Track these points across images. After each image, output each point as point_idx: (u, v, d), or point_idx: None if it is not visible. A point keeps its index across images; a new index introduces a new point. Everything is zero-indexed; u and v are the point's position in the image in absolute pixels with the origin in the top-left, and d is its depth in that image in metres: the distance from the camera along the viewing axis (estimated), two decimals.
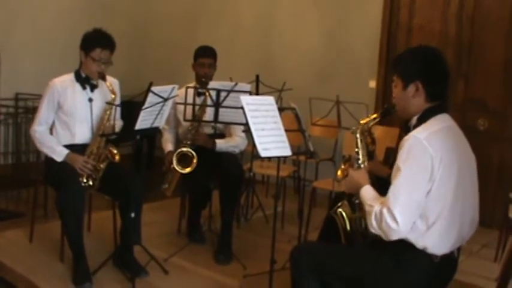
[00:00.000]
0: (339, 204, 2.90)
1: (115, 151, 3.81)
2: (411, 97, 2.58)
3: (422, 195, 2.40)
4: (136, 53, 7.50)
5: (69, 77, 3.96)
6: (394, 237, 2.41)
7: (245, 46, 6.86)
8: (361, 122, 2.86)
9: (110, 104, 3.83)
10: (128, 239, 3.83)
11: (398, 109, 2.69)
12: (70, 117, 3.91)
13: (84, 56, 3.88)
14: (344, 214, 2.88)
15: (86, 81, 3.94)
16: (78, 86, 3.94)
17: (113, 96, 3.83)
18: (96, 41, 3.86)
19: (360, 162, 2.80)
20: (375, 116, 2.86)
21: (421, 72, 2.56)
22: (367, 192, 2.58)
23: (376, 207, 2.44)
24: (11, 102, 6.26)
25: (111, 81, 3.90)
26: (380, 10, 5.75)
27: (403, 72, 2.61)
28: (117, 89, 3.92)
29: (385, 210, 2.39)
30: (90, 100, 3.95)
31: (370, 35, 5.80)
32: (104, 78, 3.85)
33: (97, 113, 3.95)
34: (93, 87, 3.97)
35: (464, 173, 2.51)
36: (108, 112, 3.86)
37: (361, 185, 2.62)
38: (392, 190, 2.42)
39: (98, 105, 3.96)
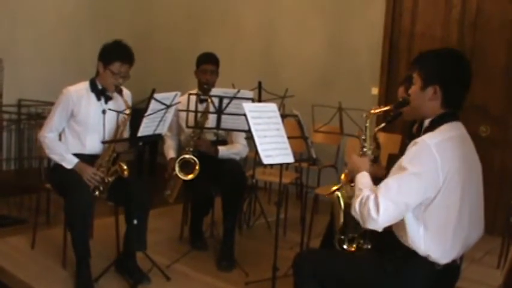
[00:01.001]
0: (338, 186, 2.90)
1: (125, 167, 3.78)
2: (427, 99, 2.52)
3: (414, 200, 2.37)
4: (139, 60, 7.40)
5: (84, 86, 3.91)
6: (370, 226, 2.37)
7: (247, 53, 6.87)
8: (372, 111, 2.81)
9: (123, 113, 3.81)
10: (131, 245, 3.83)
11: (411, 106, 2.63)
12: (82, 127, 3.87)
13: (103, 67, 3.82)
14: (340, 196, 2.88)
15: (101, 92, 3.89)
16: (93, 97, 3.89)
17: (128, 110, 3.80)
18: (117, 55, 3.81)
19: (365, 150, 2.79)
20: (388, 107, 2.83)
21: (442, 77, 2.51)
22: (363, 178, 2.55)
23: (365, 192, 2.41)
24: (14, 109, 6.27)
25: (126, 93, 3.88)
26: (382, 16, 5.76)
27: (425, 72, 2.54)
28: (129, 101, 3.90)
29: (372, 197, 2.35)
30: (104, 112, 3.90)
31: (372, 41, 5.81)
32: (120, 92, 3.82)
33: (109, 125, 3.91)
34: (107, 99, 3.92)
35: (471, 183, 2.49)
36: (122, 126, 3.85)
37: (360, 169, 2.59)
38: (386, 181, 2.39)
39: (111, 117, 3.91)
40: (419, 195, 2.37)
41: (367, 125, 2.81)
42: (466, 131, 2.59)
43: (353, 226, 2.82)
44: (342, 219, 2.89)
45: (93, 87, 3.90)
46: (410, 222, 2.43)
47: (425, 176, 2.36)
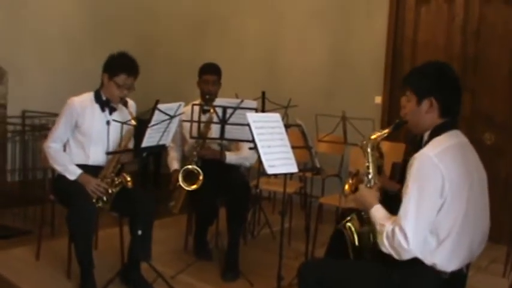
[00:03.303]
0: (348, 218, 2.88)
1: (128, 178, 3.77)
2: (425, 113, 2.56)
3: (433, 213, 2.39)
4: (142, 70, 7.42)
5: (89, 97, 3.91)
6: (406, 256, 2.38)
7: (250, 63, 6.88)
8: (372, 137, 2.79)
9: (128, 124, 3.76)
10: (136, 256, 3.82)
11: (410, 124, 2.66)
12: (86, 138, 3.87)
13: (108, 79, 3.82)
14: (353, 228, 2.86)
15: (105, 103, 3.90)
16: (97, 108, 3.89)
17: (133, 122, 3.73)
18: (122, 67, 3.81)
19: (370, 177, 2.76)
20: (386, 131, 2.81)
21: (435, 89, 2.54)
22: (378, 212, 2.55)
23: (388, 226, 2.42)
24: (18, 120, 6.28)
25: (131, 104, 3.87)
26: (385, 25, 5.77)
27: (416, 88, 2.59)
28: (134, 112, 3.88)
29: (397, 229, 2.36)
30: (108, 123, 3.89)
31: (376, 50, 5.82)
32: (125, 104, 3.81)
33: (114, 136, 3.89)
34: (112, 110, 3.92)
35: (475, 190, 2.50)
36: (126, 138, 3.83)
37: (372, 204, 2.59)
38: (403, 209, 2.40)
39: (116, 128, 3.87)
40: (435, 207, 2.39)
41: (369, 151, 2.78)
42: (466, 138, 2.61)
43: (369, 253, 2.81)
44: (356, 248, 2.87)
45: (98, 98, 3.90)
46: None
47: (434, 187, 2.37)
